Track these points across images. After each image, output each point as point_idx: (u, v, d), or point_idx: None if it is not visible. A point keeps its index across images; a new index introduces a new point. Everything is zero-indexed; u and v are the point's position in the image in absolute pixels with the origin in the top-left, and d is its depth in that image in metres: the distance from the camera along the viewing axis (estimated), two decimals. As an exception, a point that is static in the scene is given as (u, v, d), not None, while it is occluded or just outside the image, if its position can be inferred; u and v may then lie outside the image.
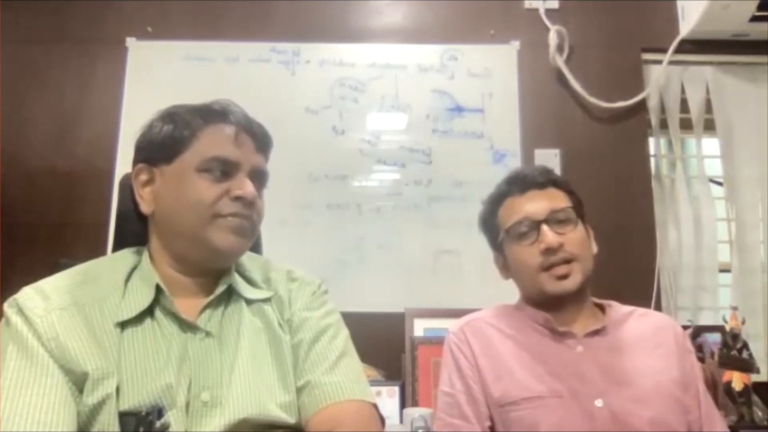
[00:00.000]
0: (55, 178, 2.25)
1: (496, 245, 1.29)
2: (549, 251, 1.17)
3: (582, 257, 1.19)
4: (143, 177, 0.95)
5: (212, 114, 0.96)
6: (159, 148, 0.94)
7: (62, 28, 2.37)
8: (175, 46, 2.35)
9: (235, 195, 0.92)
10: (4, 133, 2.25)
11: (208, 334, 0.91)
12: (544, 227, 1.18)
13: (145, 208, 0.95)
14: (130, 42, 2.35)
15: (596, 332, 1.19)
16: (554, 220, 1.20)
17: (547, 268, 1.18)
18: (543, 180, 1.25)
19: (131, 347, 0.86)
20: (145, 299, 0.89)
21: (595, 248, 1.24)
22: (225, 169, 0.93)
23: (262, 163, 0.98)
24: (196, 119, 0.95)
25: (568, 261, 1.18)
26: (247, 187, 0.93)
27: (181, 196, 0.92)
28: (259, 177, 0.97)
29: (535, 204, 1.21)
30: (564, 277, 1.17)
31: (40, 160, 2.26)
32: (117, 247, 1.05)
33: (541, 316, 1.22)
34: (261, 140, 0.98)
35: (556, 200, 1.22)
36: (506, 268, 1.29)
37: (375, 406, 0.94)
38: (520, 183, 1.25)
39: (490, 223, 1.29)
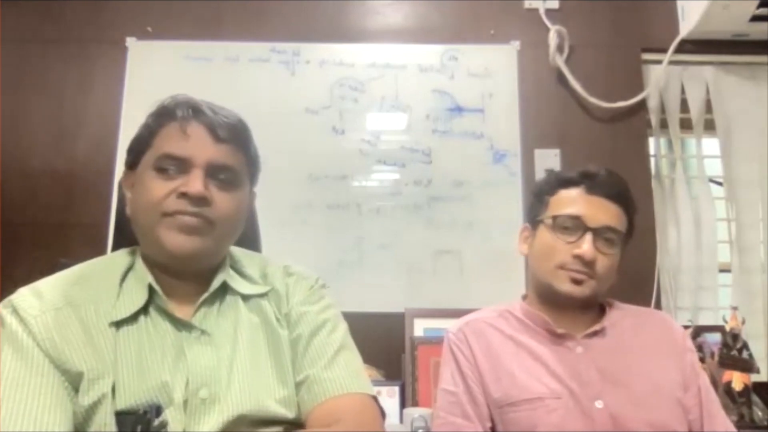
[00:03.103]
0: (55, 178, 2.24)
1: (534, 219, 1.27)
2: (579, 259, 1.16)
3: (602, 280, 1.19)
4: (128, 180, 0.97)
5: (166, 112, 0.94)
6: (129, 152, 0.97)
7: (62, 28, 2.37)
8: (175, 46, 2.34)
9: (179, 192, 0.88)
10: (4, 133, 2.25)
11: (203, 332, 0.91)
12: (589, 236, 1.16)
13: (128, 210, 0.96)
14: (130, 42, 2.35)
15: (595, 333, 1.19)
16: (602, 235, 1.18)
17: (567, 269, 1.17)
18: (615, 193, 1.21)
19: (126, 346, 0.86)
20: (139, 300, 0.89)
21: (614, 278, 1.22)
22: (178, 167, 0.90)
23: (221, 156, 0.92)
24: (154, 119, 0.95)
25: (588, 275, 1.17)
26: (193, 183, 0.88)
27: (139, 197, 0.92)
28: (220, 172, 0.92)
29: (595, 211, 1.18)
30: (578, 282, 1.17)
31: (40, 160, 2.26)
32: (117, 247, 1.05)
33: (540, 318, 1.22)
34: (223, 131, 0.92)
35: (616, 219, 1.20)
36: (529, 244, 1.28)
37: (375, 398, 0.94)
38: (593, 182, 1.21)
39: (544, 197, 1.26)
